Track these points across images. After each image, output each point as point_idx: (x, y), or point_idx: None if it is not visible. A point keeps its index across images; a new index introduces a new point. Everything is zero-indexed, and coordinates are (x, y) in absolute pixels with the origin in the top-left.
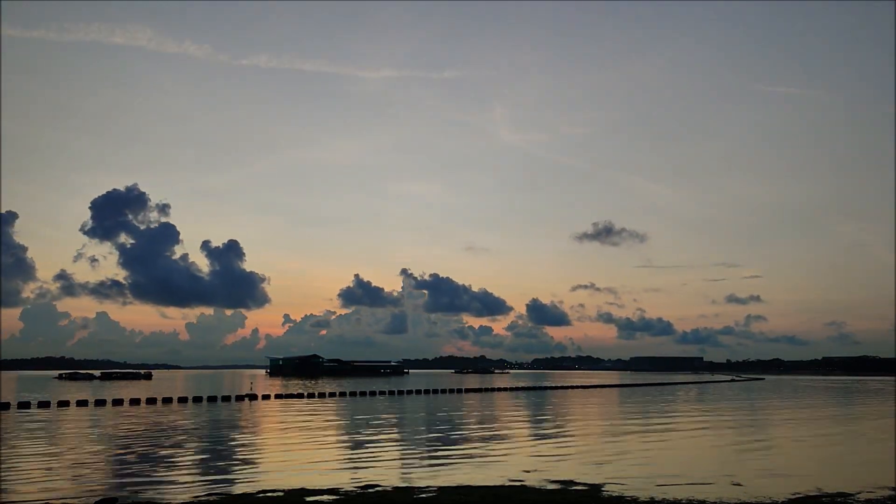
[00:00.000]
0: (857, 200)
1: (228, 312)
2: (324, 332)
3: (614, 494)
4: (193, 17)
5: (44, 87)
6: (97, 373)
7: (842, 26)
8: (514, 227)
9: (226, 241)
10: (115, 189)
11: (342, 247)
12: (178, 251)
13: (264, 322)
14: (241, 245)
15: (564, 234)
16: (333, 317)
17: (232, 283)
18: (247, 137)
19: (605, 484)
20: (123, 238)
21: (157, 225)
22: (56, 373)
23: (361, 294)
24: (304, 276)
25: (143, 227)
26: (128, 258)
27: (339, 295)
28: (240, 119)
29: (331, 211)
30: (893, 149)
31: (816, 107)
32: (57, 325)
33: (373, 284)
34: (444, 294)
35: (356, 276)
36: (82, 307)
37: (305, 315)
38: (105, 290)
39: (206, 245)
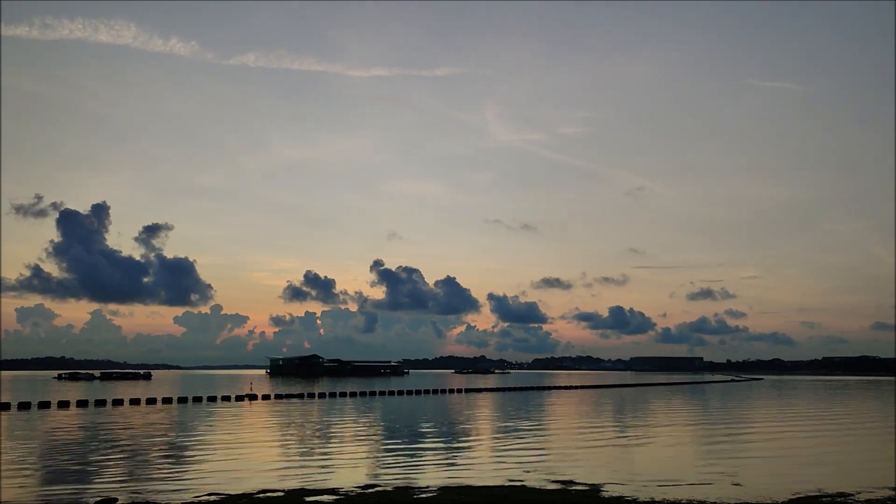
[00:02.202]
0: (854, 199)
1: (228, 312)
2: (322, 331)
3: (614, 495)
4: (179, 14)
5: (26, 85)
6: (97, 373)
7: (841, 21)
8: (510, 225)
9: (216, 241)
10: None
11: (333, 245)
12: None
13: (261, 322)
14: (232, 244)
15: (561, 234)
16: (321, 316)
17: (215, 283)
18: (235, 136)
19: (605, 484)
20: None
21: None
22: (55, 373)
23: (356, 293)
24: (293, 274)
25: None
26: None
27: (332, 294)
28: (227, 118)
29: (321, 209)
30: (893, 147)
31: (814, 103)
32: (52, 325)
33: (366, 283)
34: (437, 292)
35: (348, 274)
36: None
37: (298, 314)
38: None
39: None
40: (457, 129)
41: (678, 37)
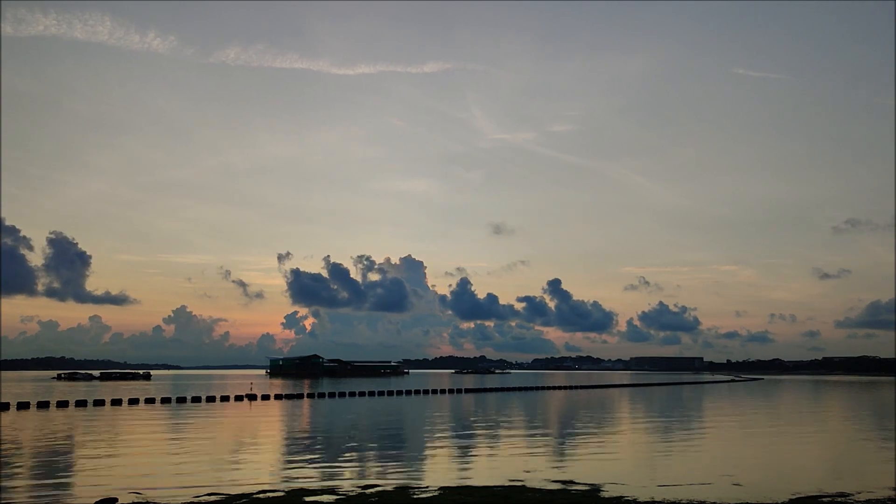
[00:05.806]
0: (854, 198)
1: (223, 315)
2: (317, 331)
3: (615, 495)
4: (155, 8)
5: (6, 81)
6: (96, 373)
7: (844, 17)
8: (503, 224)
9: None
10: None
11: (324, 243)
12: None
13: (255, 322)
14: (217, 242)
15: (556, 233)
16: (315, 315)
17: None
18: (217, 133)
19: (605, 484)
20: None
21: None
22: (54, 373)
23: (346, 292)
24: (281, 272)
25: None
26: None
27: (324, 292)
28: (209, 114)
29: (309, 208)
30: (893, 145)
31: (813, 99)
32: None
33: (358, 283)
34: (432, 291)
35: (338, 272)
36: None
37: (290, 313)
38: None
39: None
40: (445, 125)
41: (669, 31)
